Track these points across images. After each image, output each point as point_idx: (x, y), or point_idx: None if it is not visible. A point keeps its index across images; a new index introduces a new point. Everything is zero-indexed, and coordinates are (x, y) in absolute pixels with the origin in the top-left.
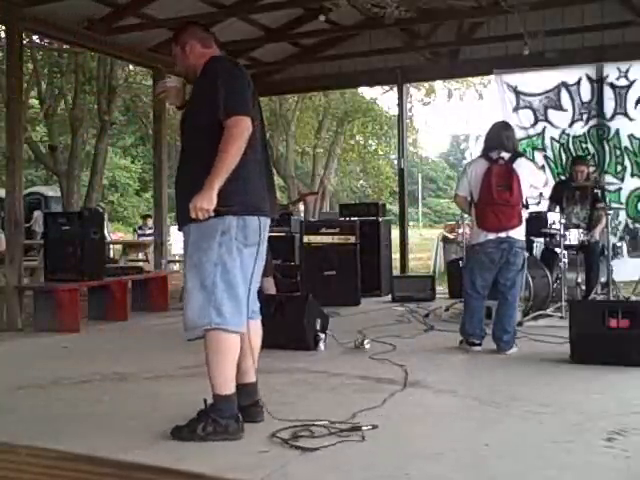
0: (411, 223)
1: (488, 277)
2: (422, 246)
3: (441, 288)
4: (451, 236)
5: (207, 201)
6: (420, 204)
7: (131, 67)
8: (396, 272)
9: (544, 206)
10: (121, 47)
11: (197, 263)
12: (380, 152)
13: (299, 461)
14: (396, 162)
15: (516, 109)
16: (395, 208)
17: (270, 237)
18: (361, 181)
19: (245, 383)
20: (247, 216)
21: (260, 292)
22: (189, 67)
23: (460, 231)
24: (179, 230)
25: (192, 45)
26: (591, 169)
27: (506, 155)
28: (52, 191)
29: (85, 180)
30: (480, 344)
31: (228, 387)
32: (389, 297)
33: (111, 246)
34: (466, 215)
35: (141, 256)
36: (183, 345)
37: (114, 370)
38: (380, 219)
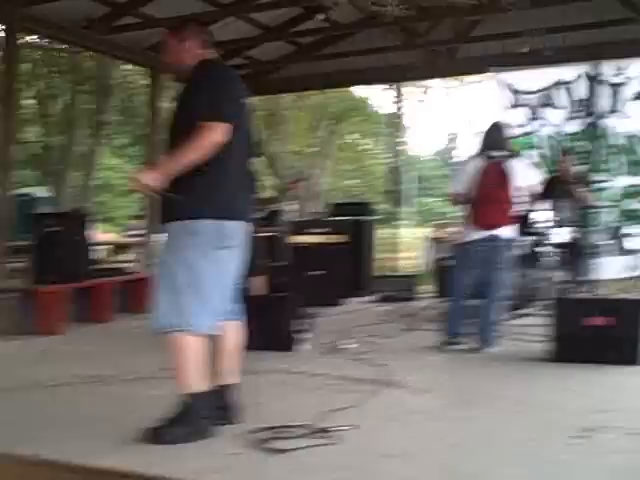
0: (403, 222)
1: (474, 275)
2: (414, 245)
3: (428, 287)
4: (440, 235)
5: (150, 178)
6: (412, 203)
7: (127, 67)
8: (385, 272)
9: (534, 205)
10: (119, 47)
11: (168, 263)
12: (373, 151)
13: (271, 463)
14: (389, 161)
15: (512, 107)
16: (387, 207)
17: (259, 237)
18: (354, 180)
19: (220, 385)
20: (223, 220)
21: (245, 292)
22: (183, 64)
23: (450, 230)
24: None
25: (192, 44)
26: (584, 167)
27: (501, 154)
28: (44, 191)
29: (77, 181)
30: (462, 343)
31: (195, 388)
32: (371, 297)
33: (99, 247)
34: (457, 214)
35: (132, 257)
36: (165, 346)
37: (93, 372)
38: (366, 218)
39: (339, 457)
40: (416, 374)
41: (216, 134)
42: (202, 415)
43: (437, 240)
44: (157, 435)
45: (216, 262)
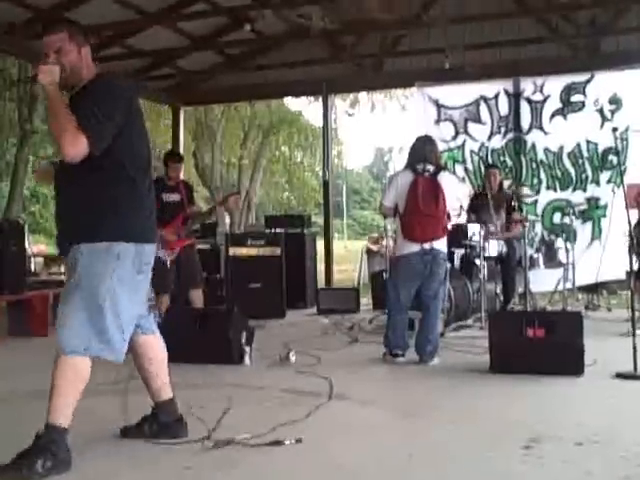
0: (336, 235)
1: (412, 288)
2: (347, 258)
3: (365, 300)
4: (375, 248)
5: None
6: (345, 216)
7: None
8: (321, 284)
9: (464, 218)
10: (38, 52)
11: (86, 286)
12: (305, 164)
13: (219, 477)
14: (321, 174)
15: (437, 122)
16: (320, 220)
17: (196, 250)
18: (286, 193)
19: (163, 400)
20: (143, 243)
21: (187, 304)
22: (76, 72)
23: (384, 243)
24: (60, 252)
25: (87, 51)
26: (507, 182)
27: (430, 168)
28: None
29: (5, 191)
30: (403, 355)
31: (67, 418)
32: (314, 309)
33: (32, 259)
34: (389, 227)
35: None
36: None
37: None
38: (305, 231)
39: (291, 471)
40: (361, 386)
41: (81, 149)
42: (66, 446)
43: (372, 253)
44: (24, 471)
45: (135, 287)
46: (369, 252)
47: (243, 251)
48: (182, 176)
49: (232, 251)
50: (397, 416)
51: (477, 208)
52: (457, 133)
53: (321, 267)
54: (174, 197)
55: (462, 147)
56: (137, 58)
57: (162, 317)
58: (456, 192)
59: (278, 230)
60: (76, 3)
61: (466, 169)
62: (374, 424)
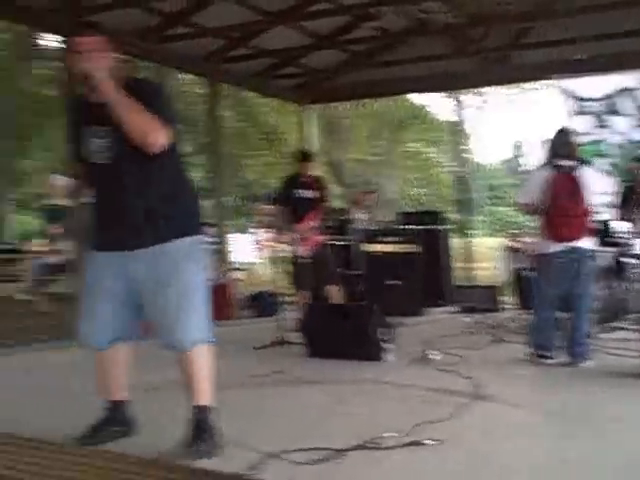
0: (475, 231)
1: (559, 288)
2: (484, 255)
3: (506, 298)
4: (515, 245)
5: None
6: (479, 212)
7: (183, 76)
8: (458, 282)
9: (611, 214)
10: (171, 56)
11: (194, 279)
12: (435, 159)
13: (365, 473)
14: (453, 170)
15: (574, 115)
16: (454, 216)
17: (333, 246)
18: (418, 189)
19: (121, 400)
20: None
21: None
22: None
23: (524, 240)
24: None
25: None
26: None
27: (570, 163)
28: None
29: None
30: (552, 357)
31: (212, 399)
32: (452, 307)
33: None
34: (529, 224)
35: None
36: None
37: None
38: (440, 227)
39: (438, 469)
40: (506, 387)
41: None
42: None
43: (512, 250)
44: (195, 451)
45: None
46: (510, 249)
47: (378, 247)
48: (315, 173)
49: (367, 248)
50: (544, 420)
51: (624, 204)
52: (597, 126)
53: (458, 265)
54: (307, 194)
55: (602, 140)
56: (262, 58)
57: (301, 313)
58: (598, 187)
59: (412, 226)
60: (202, 7)
61: (613, 164)
62: (520, 427)
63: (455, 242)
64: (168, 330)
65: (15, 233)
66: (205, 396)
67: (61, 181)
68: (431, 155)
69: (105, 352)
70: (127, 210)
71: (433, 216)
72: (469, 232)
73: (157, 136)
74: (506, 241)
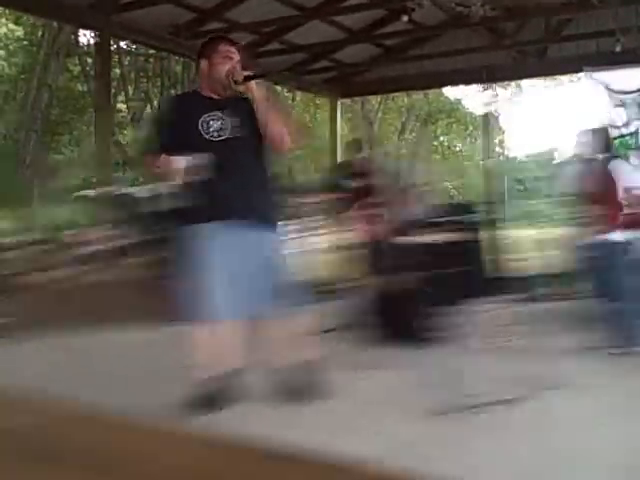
0: (511, 223)
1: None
2: (526, 246)
3: (564, 288)
4: (563, 236)
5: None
6: (517, 204)
7: None
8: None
9: None
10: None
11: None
12: (464, 152)
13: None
14: (482, 163)
15: (609, 107)
16: (492, 208)
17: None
18: (452, 182)
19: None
20: None
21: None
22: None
23: (567, 230)
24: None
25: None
26: None
27: (604, 156)
28: (142, 192)
29: None
30: (635, 347)
31: None
32: (511, 296)
33: None
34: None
35: None
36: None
37: None
38: (479, 218)
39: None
40: (581, 375)
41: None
42: None
43: (561, 241)
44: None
45: None
46: (559, 240)
47: (424, 238)
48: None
49: (413, 238)
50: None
51: None
52: (630, 119)
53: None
54: (363, 181)
55: (636, 133)
56: (295, 53)
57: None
58: (630, 181)
59: (454, 218)
60: (235, 2)
61: None
62: (598, 417)
63: (491, 234)
64: (276, 296)
65: (52, 225)
66: (311, 352)
67: (182, 162)
68: (459, 149)
69: (229, 324)
70: (249, 184)
71: (471, 208)
72: (504, 224)
73: (289, 140)
74: (553, 232)
